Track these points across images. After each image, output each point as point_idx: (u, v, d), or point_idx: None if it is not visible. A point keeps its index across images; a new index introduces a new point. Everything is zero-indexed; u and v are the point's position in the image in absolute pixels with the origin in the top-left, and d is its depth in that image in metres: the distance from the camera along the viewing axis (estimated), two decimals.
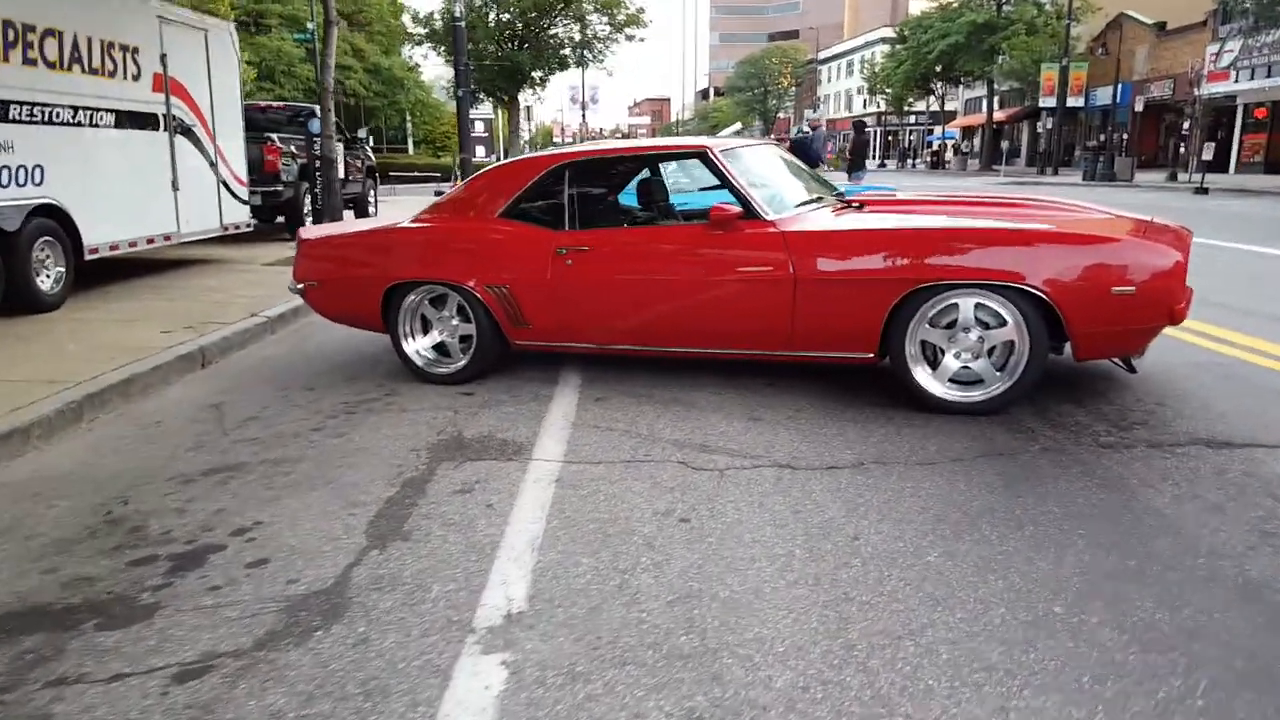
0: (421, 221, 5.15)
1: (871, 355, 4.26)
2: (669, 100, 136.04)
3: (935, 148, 51.33)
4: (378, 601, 2.61)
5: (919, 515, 3.08)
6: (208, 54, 9.11)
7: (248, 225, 9.99)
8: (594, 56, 26.40)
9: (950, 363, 4.16)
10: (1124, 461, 3.50)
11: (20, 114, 6.44)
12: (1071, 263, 3.87)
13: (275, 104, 14.88)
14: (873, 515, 3.09)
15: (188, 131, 8.73)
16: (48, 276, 6.82)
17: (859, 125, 14.97)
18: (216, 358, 5.97)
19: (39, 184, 6.64)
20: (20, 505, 3.45)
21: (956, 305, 4.08)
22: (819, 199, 4.76)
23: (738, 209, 4.30)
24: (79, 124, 7.11)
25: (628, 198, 5.07)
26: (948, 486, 3.32)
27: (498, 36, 24.71)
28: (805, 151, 14.32)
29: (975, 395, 4.13)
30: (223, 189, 9.43)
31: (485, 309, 4.84)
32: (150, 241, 8.16)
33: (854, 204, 4.81)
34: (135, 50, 7.84)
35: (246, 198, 10.03)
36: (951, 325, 4.12)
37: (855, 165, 14.88)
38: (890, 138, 67.34)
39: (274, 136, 11.55)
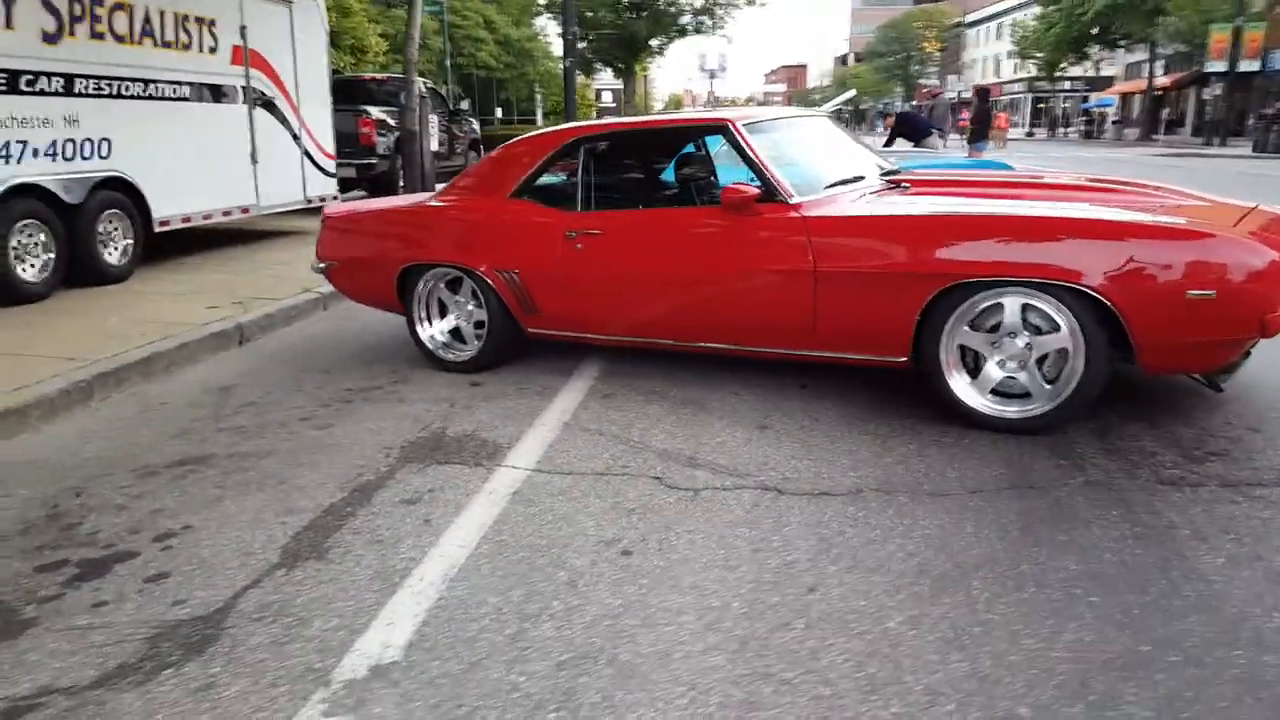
0: (441, 200, 4.89)
1: (904, 359, 3.72)
2: (805, 67, 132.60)
3: (1089, 116, 47.88)
4: (249, 636, 2.35)
5: (900, 564, 2.58)
6: (292, 26, 9.12)
7: (334, 197, 10.04)
8: (714, 23, 25.65)
9: (992, 371, 3.59)
10: (1182, 504, 2.88)
11: (87, 88, 6.52)
12: (1137, 259, 3.23)
13: (379, 76, 15.01)
14: (844, 560, 2.62)
15: (269, 104, 8.77)
16: (115, 249, 6.94)
17: (982, 93, 13.88)
18: (256, 335, 5.91)
19: (105, 157, 6.74)
20: None
21: (1001, 306, 3.50)
22: (858, 178, 4.20)
23: (754, 190, 3.82)
24: (150, 97, 7.18)
25: (646, 177, 4.64)
26: (951, 527, 2.80)
27: (615, 4, 24.31)
28: (914, 123, 13.38)
29: (1020, 411, 3.55)
30: (306, 161, 9.47)
31: (496, 295, 4.54)
32: (226, 214, 8.25)
33: (901, 184, 4.22)
34: (212, 23, 7.88)
35: (333, 170, 10.06)
36: (995, 329, 3.55)
37: (977, 136, 13.80)
38: (1041, 105, 63.35)
39: (369, 109, 11.58)
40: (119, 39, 6.82)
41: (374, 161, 11.79)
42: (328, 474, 3.44)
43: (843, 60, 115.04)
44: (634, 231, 4.21)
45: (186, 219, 7.70)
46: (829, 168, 4.24)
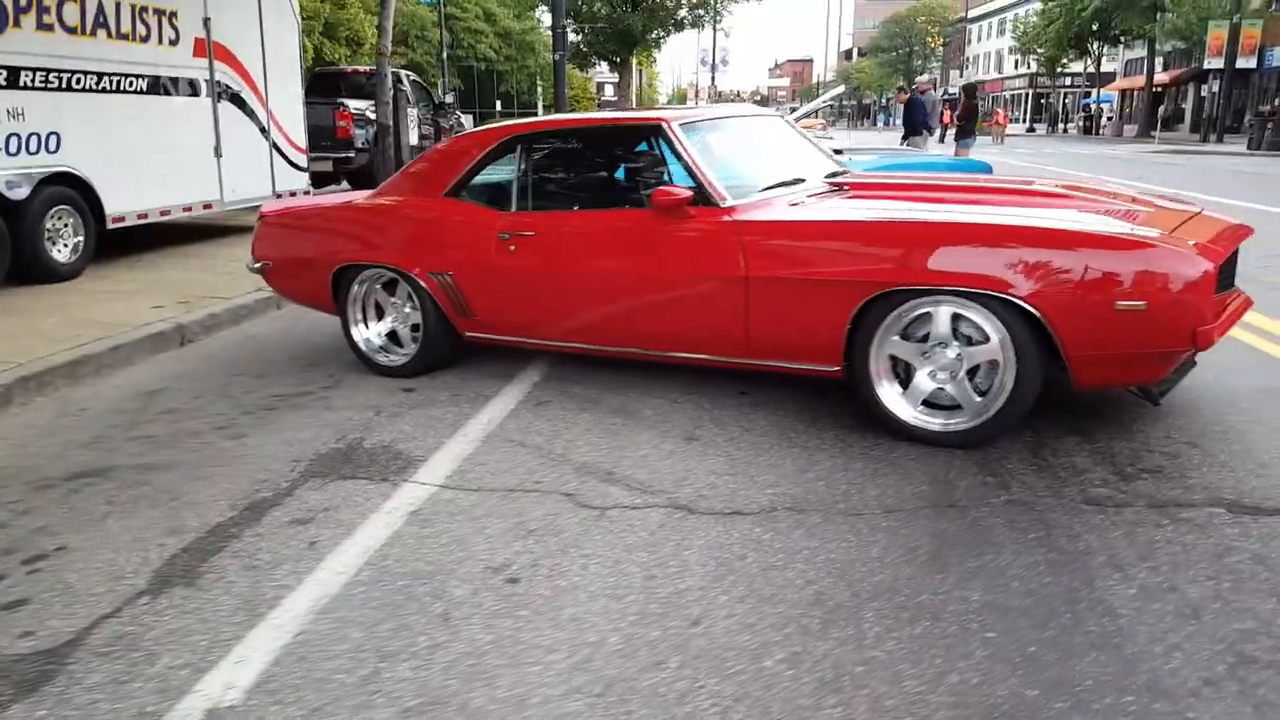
0: (377, 198, 4.74)
1: (837, 369, 3.58)
2: (811, 61, 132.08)
3: (1088, 112, 47.53)
4: (89, 673, 2.20)
5: (796, 592, 2.44)
6: (260, 19, 8.95)
7: (305, 192, 9.89)
8: (711, 18, 25.35)
9: (923, 383, 3.44)
10: (1103, 527, 2.73)
11: (33, 80, 6.38)
12: (1065, 269, 3.07)
13: (362, 68, 14.85)
14: (739, 589, 2.47)
15: (234, 97, 8.61)
16: (65, 246, 6.80)
17: (969, 90, 13.69)
18: (200, 335, 5.77)
19: (54, 152, 6.59)
20: None
21: (931, 315, 3.35)
22: (798, 181, 4.04)
23: (686, 192, 3.66)
24: (104, 90, 7.03)
25: (582, 177, 4.49)
26: (857, 550, 2.65)
27: None
28: (910, 117, 13.23)
29: (951, 424, 3.40)
30: (275, 155, 9.32)
31: (430, 297, 4.39)
32: (187, 210, 8.11)
33: (841, 187, 4.06)
34: (173, 15, 7.73)
35: (305, 164, 9.91)
36: (927, 338, 3.39)
37: (963, 133, 13.64)
38: (1041, 101, 62.95)
39: (346, 102, 11.43)
40: (69, 30, 6.67)
41: (352, 155, 11.65)
42: (225, 489, 3.30)
43: (847, 55, 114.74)
44: (566, 233, 4.06)
45: (143, 215, 7.55)
46: (768, 170, 4.08)
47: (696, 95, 70.33)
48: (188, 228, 9.13)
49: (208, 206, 8.36)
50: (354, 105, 11.47)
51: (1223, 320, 3.22)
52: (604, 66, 37.66)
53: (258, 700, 2.08)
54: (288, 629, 2.37)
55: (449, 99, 17.14)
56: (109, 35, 7.03)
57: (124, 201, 7.27)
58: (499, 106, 39.59)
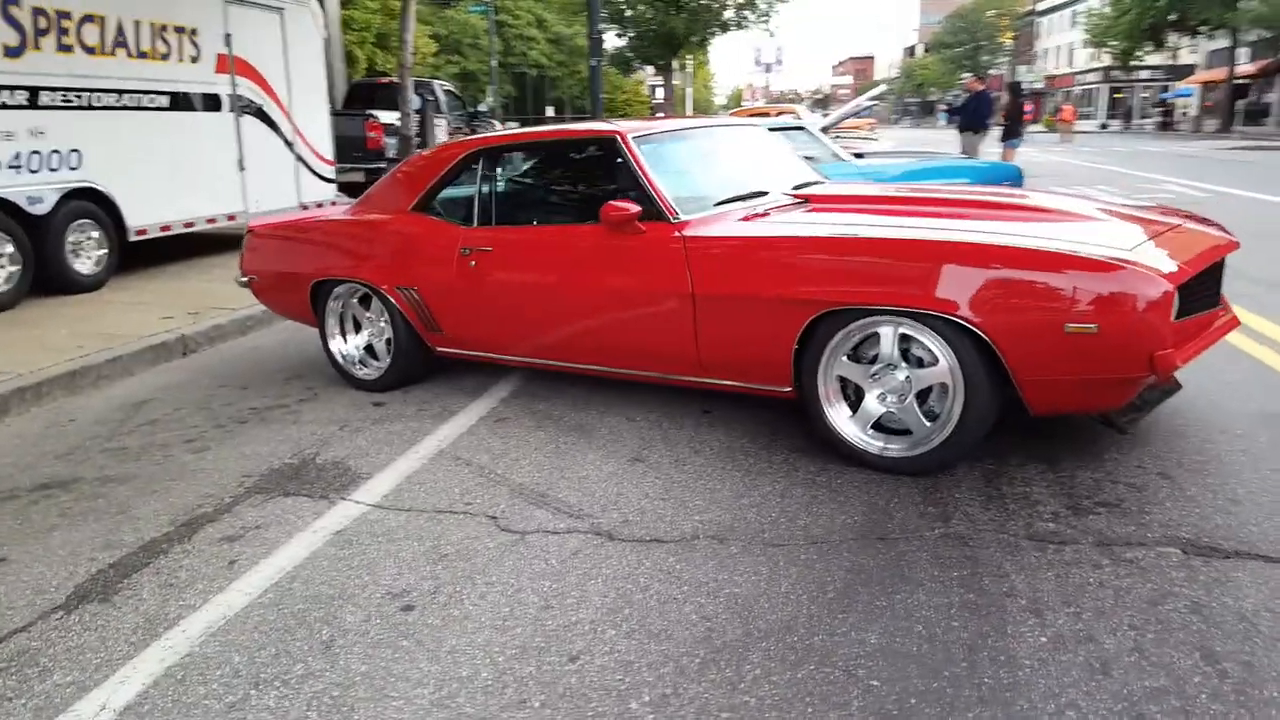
0: (352, 213, 4.78)
1: (789, 389, 3.48)
2: (872, 59, 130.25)
3: (1165, 106, 45.84)
4: None
5: (687, 629, 2.36)
6: (284, 33, 9.13)
7: (332, 203, 10.06)
8: (758, 17, 25.13)
9: (872, 405, 3.32)
10: (1037, 565, 2.59)
11: (53, 100, 6.59)
12: (1012, 289, 2.93)
13: (393, 79, 15.04)
14: (630, 623, 2.40)
15: (257, 111, 8.80)
16: (88, 258, 7.01)
17: (1013, 88, 13.30)
18: (203, 346, 5.89)
19: (75, 168, 6.81)
20: None
21: (878, 336, 3.23)
22: (758, 194, 3.94)
23: (634, 208, 3.59)
24: (124, 107, 7.24)
25: (542, 191, 4.45)
26: (766, 584, 2.56)
27: (653, 1, 23.99)
28: (969, 112, 12.97)
29: (899, 449, 3.27)
30: (301, 167, 9.49)
31: (400, 313, 4.41)
32: (211, 221, 8.30)
33: (805, 200, 3.95)
34: (194, 32, 7.93)
35: (331, 175, 10.08)
36: (876, 359, 3.28)
37: (1009, 133, 13.25)
38: (1117, 95, 60.97)
39: (376, 113, 11.60)
40: (89, 50, 6.88)
41: (383, 165, 11.82)
42: (172, 504, 3.34)
43: (910, 51, 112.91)
44: (522, 248, 4.04)
45: (165, 227, 7.75)
46: (730, 183, 3.99)
47: (753, 95, 70.01)
48: (218, 238, 9.34)
49: (231, 218, 8.53)
50: (384, 116, 11.62)
51: (1194, 343, 3.04)
52: (652, 70, 37.66)
53: None
54: (178, 650, 2.38)
55: (483, 107, 17.32)
56: (129, 54, 7.23)
57: (146, 214, 7.47)
58: (550, 112, 39.85)
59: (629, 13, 25.45)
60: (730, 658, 2.23)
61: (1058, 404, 3.10)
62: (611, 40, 28.25)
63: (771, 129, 8.88)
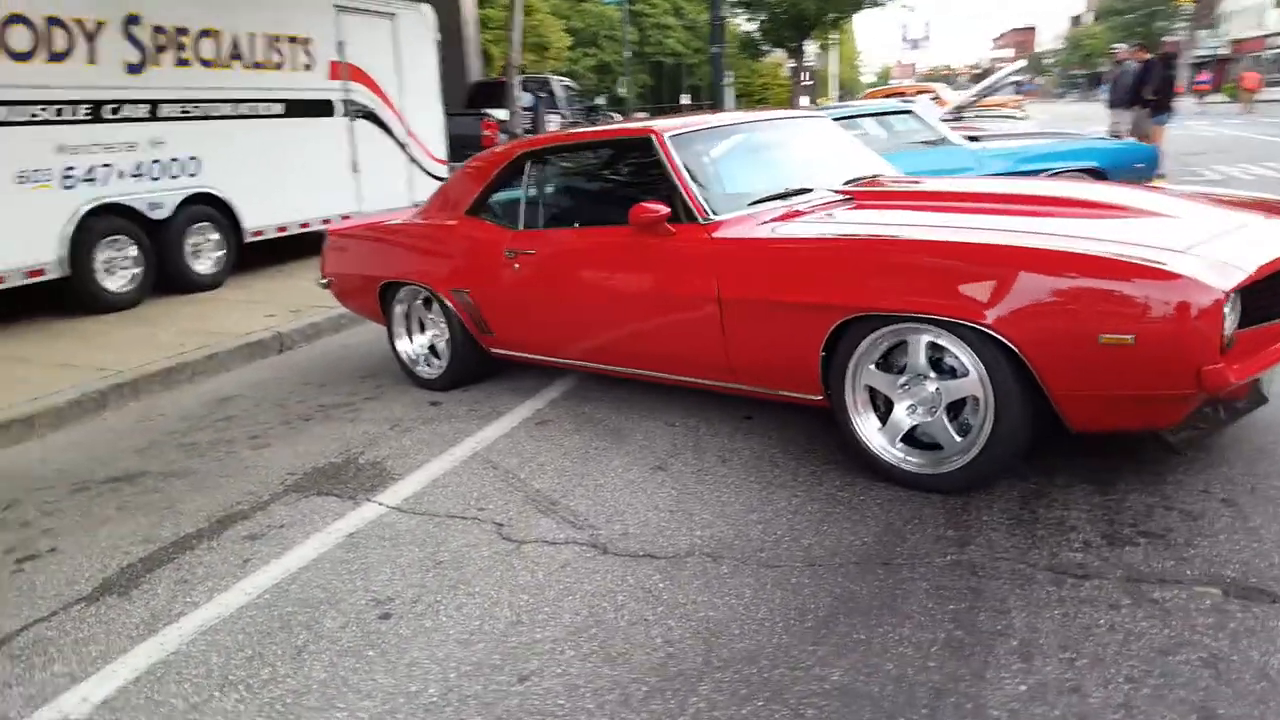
0: (418, 217, 4.89)
1: (820, 397, 3.32)
2: (1034, 30, 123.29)
3: None
4: None
5: (648, 653, 2.28)
6: (396, 38, 9.44)
7: None
8: None
9: (901, 417, 3.12)
10: (1046, 602, 2.37)
11: (173, 111, 7.07)
12: (1042, 295, 2.68)
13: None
14: (592, 644, 2.35)
15: (370, 115, 9.15)
16: (207, 259, 7.49)
17: (1166, 59, 12.20)
18: (299, 343, 6.18)
19: (194, 175, 7.28)
20: None
21: (907, 344, 3.04)
22: (804, 191, 3.77)
23: (663, 209, 3.50)
24: (240, 116, 7.68)
25: (582, 193, 4.39)
26: (745, 609, 2.45)
27: None
28: (1120, 87, 12.19)
29: (928, 464, 3.07)
30: (414, 168, 9.81)
31: (455, 314, 4.49)
32: (326, 222, 8.64)
33: (850, 197, 3.74)
34: (307, 41, 8.32)
35: (445, 175, 10.36)
36: (905, 369, 3.08)
37: (1159, 107, 12.21)
38: None
39: (491, 112, 11.87)
40: (206, 64, 7.33)
41: None
42: (217, 500, 3.52)
43: (1076, 20, 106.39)
44: (562, 251, 4.02)
45: (282, 229, 8.18)
46: (769, 181, 3.83)
47: (901, 73, 67.61)
48: None
49: (346, 218, 8.88)
50: (500, 115, 11.86)
51: (1265, 355, 2.69)
52: (820, 49, 36.59)
53: (99, 716, 2.20)
54: (168, 647, 2.49)
55: (601, 101, 17.28)
56: (244, 66, 7.66)
57: (261, 217, 7.90)
58: (686, 100, 39.74)
59: None
60: (680, 687, 2.14)
61: (1099, 421, 2.82)
62: (743, 24, 27.88)
63: (877, 113, 8.58)
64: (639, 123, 4.05)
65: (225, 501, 3.50)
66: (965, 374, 2.91)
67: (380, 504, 3.35)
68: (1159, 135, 12.38)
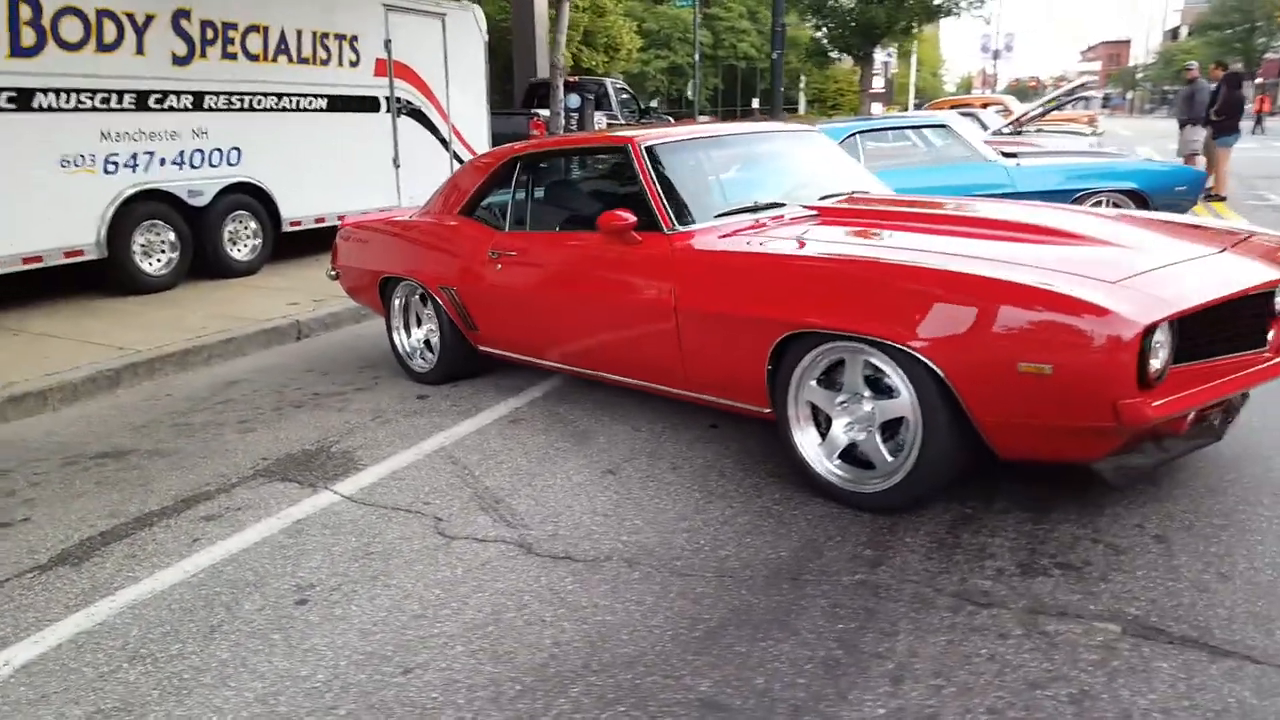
0: (418, 215, 5.03)
1: (768, 410, 3.34)
2: (1128, 43, 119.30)
3: None
4: None
5: (531, 654, 2.34)
6: (444, 37, 9.64)
7: None
8: (969, 3, 23.59)
9: (839, 434, 3.12)
10: (934, 628, 2.36)
11: (216, 103, 7.35)
12: (966, 320, 2.66)
13: (572, 79, 15.49)
14: (484, 642, 2.41)
15: (414, 112, 9.36)
16: (244, 246, 7.78)
17: (1231, 79, 11.75)
18: (317, 331, 6.39)
19: (235, 164, 7.56)
20: None
21: (845, 362, 3.04)
22: (772, 206, 3.77)
23: (631, 218, 3.55)
24: (283, 109, 7.94)
25: (564, 198, 4.46)
26: (640, 615, 2.49)
27: None
28: (1196, 104, 11.87)
29: (860, 482, 3.06)
30: (456, 164, 10.00)
31: (444, 310, 4.61)
32: (364, 214, 8.91)
33: (816, 213, 3.73)
34: (354, 39, 8.55)
35: None
36: (844, 387, 3.09)
37: (1223, 129, 11.79)
38: None
39: (540, 111, 12.02)
40: (252, 58, 7.60)
41: None
42: (189, 480, 3.67)
43: (1173, 34, 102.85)
44: (539, 253, 4.09)
45: (320, 219, 8.43)
46: (744, 194, 3.84)
47: (984, 84, 66.18)
48: None
49: (384, 211, 9.12)
50: (547, 114, 12.01)
51: (1196, 393, 2.62)
52: (889, 56, 36.02)
53: (15, 679, 2.34)
54: (96, 618, 2.63)
55: (655, 104, 17.32)
56: (290, 60, 7.92)
57: (300, 207, 8.16)
58: (756, 104, 39.54)
59: (830, 3, 24.71)
60: (551, 689, 2.19)
61: (1025, 450, 2.78)
62: (812, 31, 27.61)
63: (913, 125, 8.47)
64: (619, 131, 4.10)
65: (196, 482, 3.65)
66: (899, 395, 2.90)
67: (336, 493, 3.47)
68: (1224, 158, 11.96)
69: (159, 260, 7.09)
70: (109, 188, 6.61)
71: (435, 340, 4.86)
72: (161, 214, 7.03)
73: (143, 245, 6.94)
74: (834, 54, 27.02)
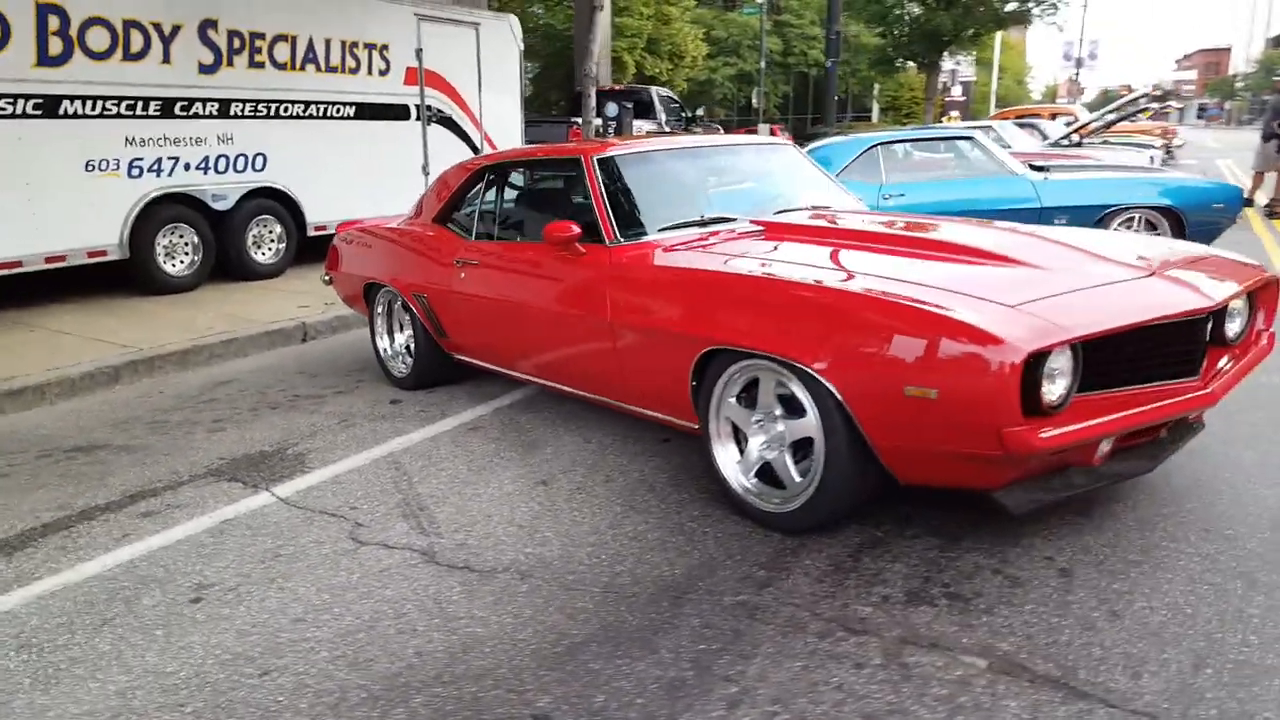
0: (401, 222, 5.11)
1: (696, 425, 3.31)
2: (1229, 50, 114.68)
3: None
4: None
5: (390, 663, 2.36)
6: (478, 46, 9.79)
7: None
8: (1042, 10, 22.91)
9: (754, 452, 3.08)
10: (796, 653, 2.31)
11: (242, 110, 7.59)
12: (856, 341, 2.60)
13: (617, 87, 15.57)
14: (350, 648, 2.44)
15: (445, 120, 9.52)
16: (268, 249, 8.01)
17: None
18: (323, 334, 6.54)
19: (260, 169, 7.80)
20: None
21: (759, 380, 3.01)
22: (721, 220, 3.73)
23: (575, 229, 3.57)
24: (310, 117, 8.16)
25: (525, 208, 4.47)
26: (512, 628, 2.49)
27: None
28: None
29: (770, 502, 3.01)
30: None
31: (416, 316, 4.68)
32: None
33: (762, 229, 3.67)
34: (384, 48, 8.74)
35: None
36: (759, 405, 3.05)
37: None
38: None
39: (579, 120, 12.11)
40: (279, 66, 7.83)
41: None
42: (143, 476, 3.80)
43: (1276, 41, 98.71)
44: (497, 262, 4.12)
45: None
46: (697, 208, 3.81)
47: (1069, 92, 64.38)
48: None
49: None
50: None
51: (1099, 424, 2.51)
52: (958, 64, 35.29)
53: None
54: (5, 606, 2.74)
55: (699, 112, 17.26)
56: (318, 69, 8.13)
57: (325, 212, 8.35)
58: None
59: (896, 10, 24.34)
60: (396, 698, 2.20)
61: (921, 475, 2.70)
62: (872, 38, 27.21)
63: (938, 138, 8.30)
64: (576, 143, 4.11)
65: (149, 479, 3.77)
66: (806, 415, 2.85)
67: (273, 494, 3.54)
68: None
69: (181, 262, 7.35)
70: (133, 191, 6.88)
71: (413, 345, 4.93)
72: (185, 217, 7.28)
73: (165, 247, 7.20)
74: (899, 62, 26.57)
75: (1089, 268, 2.89)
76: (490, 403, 4.59)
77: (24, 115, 6.14)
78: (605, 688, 2.20)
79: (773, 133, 28.29)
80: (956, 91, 49.60)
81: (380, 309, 5.08)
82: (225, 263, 7.72)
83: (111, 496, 3.59)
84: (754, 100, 30.04)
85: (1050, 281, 2.75)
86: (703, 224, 3.70)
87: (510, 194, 4.46)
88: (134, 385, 5.34)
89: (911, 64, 27.02)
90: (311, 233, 8.33)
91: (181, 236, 7.33)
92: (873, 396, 2.57)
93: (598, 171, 3.74)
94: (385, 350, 5.09)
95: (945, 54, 24.88)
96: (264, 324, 6.31)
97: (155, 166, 7.01)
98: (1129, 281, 2.79)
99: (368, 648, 2.43)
